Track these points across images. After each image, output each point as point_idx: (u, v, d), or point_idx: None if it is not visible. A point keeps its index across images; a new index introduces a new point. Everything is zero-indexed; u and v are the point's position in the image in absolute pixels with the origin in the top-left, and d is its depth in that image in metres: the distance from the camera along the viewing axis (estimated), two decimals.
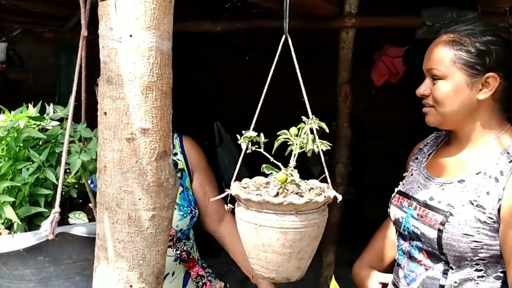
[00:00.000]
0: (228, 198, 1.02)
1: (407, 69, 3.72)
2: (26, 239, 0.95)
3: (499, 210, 1.26)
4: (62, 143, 1.09)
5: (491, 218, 1.27)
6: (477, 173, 1.33)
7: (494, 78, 1.31)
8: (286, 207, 0.93)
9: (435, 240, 1.31)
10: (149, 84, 0.88)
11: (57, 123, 1.16)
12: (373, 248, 1.70)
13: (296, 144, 1.00)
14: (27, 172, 1.01)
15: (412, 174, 1.53)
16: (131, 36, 0.86)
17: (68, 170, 1.05)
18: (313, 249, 0.99)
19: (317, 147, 0.99)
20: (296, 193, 0.98)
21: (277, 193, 0.97)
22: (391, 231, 1.65)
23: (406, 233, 1.44)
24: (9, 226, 1.06)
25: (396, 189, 1.56)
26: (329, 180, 1.00)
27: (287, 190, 0.99)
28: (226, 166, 4.82)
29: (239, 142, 1.01)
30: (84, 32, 1.01)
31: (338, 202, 0.96)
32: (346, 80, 3.24)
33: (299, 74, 1.01)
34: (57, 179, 1.02)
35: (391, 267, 1.61)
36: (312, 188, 1.01)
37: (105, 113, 0.90)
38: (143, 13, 0.86)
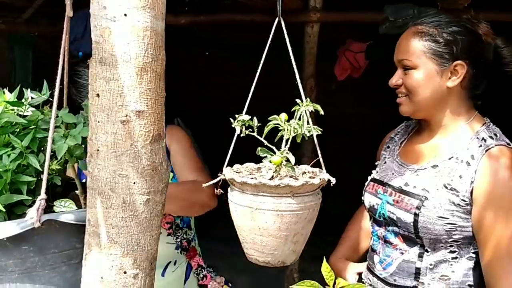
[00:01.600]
0: (219, 184, 1.01)
1: (368, 64, 3.81)
2: (10, 228, 0.90)
3: (471, 192, 1.32)
4: (43, 129, 1.05)
5: (464, 201, 1.32)
6: (449, 158, 1.38)
7: (461, 66, 1.37)
8: (282, 189, 0.93)
9: (411, 224, 1.36)
10: (144, 65, 0.86)
11: (34, 109, 1.11)
12: (348, 239, 1.74)
13: (288, 129, 1.00)
14: (8, 159, 0.96)
15: (385, 162, 1.57)
16: (125, 15, 0.84)
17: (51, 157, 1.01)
18: (308, 232, 0.99)
19: (308, 132, 0.99)
20: (291, 177, 0.98)
21: (272, 176, 0.97)
22: (365, 221, 1.69)
23: (382, 219, 1.48)
24: None
25: (369, 177, 1.60)
26: (323, 164, 1.01)
27: (280, 174, 0.99)
28: None
29: (233, 125, 1.00)
30: (69, 12, 0.97)
31: (331, 185, 0.97)
32: (311, 74, 3.28)
33: (292, 58, 1.01)
34: (41, 166, 0.98)
35: (366, 255, 1.65)
36: (305, 172, 1.02)
37: (98, 95, 0.87)
38: None
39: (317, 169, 1.04)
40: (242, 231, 0.99)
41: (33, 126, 1.04)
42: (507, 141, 1.38)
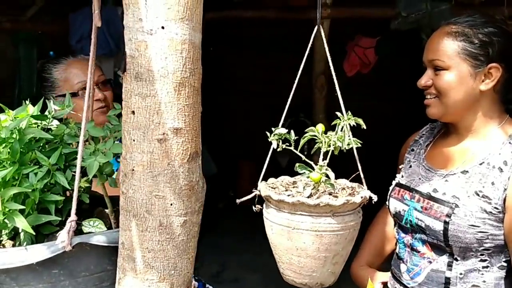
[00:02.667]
0: (256, 199, 0.97)
1: (378, 60, 3.76)
2: (40, 252, 0.86)
3: (504, 200, 1.27)
4: (68, 144, 1.01)
5: (497, 208, 1.28)
6: (480, 164, 1.34)
7: (496, 69, 1.33)
8: (322, 208, 0.88)
9: (441, 232, 1.31)
10: (182, 80, 0.81)
11: (57, 122, 1.06)
12: (370, 245, 1.69)
13: (326, 142, 0.96)
14: (35, 177, 0.92)
15: (410, 166, 1.53)
16: (163, 28, 0.79)
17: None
18: (348, 252, 0.95)
19: (348, 145, 0.95)
20: (330, 194, 0.94)
21: (311, 193, 0.93)
22: (388, 225, 1.64)
23: (409, 226, 1.43)
24: (12, 236, 0.96)
25: (394, 182, 1.55)
26: (363, 180, 0.97)
27: (319, 190, 0.95)
28: None
29: (269, 139, 0.95)
30: (97, 23, 0.91)
31: (373, 202, 0.93)
32: (321, 71, 3.24)
33: (331, 67, 0.97)
34: (69, 184, 0.93)
35: (389, 260, 1.61)
36: (344, 188, 0.98)
37: (133, 112, 0.82)
38: (176, 2, 0.79)
39: (356, 184, 0.99)
40: (278, 251, 0.94)
41: (58, 141, 1.00)
42: None
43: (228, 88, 5.42)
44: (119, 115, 1.08)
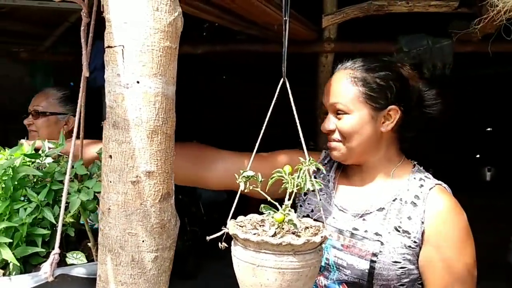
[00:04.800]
0: (223, 237, 1.04)
1: None
2: (24, 282, 0.94)
3: (422, 233, 1.32)
4: (59, 181, 1.10)
5: (415, 242, 1.32)
6: (394, 200, 1.38)
7: (395, 111, 1.38)
8: (284, 247, 0.95)
9: (366, 270, 1.32)
10: (154, 128, 0.90)
11: (51, 159, 1.16)
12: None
13: (291, 182, 1.03)
14: (24, 212, 1.01)
15: (319, 199, 1.48)
16: (138, 82, 0.88)
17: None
18: None
19: (312, 185, 1.02)
20: (293, 233, 1.00)
21: (275, 232, 0.99)
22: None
23: (323, 264, 1.40)
24: (3, 266, 1.04)
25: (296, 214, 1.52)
26: (324, 219, 1.03)
27: (283, 229, 1.01)
28: None
29: (237, 181, 1.03)
30: (85, 73, 1.02)
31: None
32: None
33: (295, 113, 1.05)
34: (55, 219, 1.02)
35: None
36: (308, 227, 1.04)
37: (110, 156, 0.91)
38: (150, 60, 0.88)
39: (320, 224, 1.06)
40: (244, 286, 1.01)
41: (49, 178, 1.09)
42: (438, 181, 1.40)
43: (238, 116, 5.53)
44: None
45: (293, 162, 1.29)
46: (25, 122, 2.27)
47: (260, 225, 1.05)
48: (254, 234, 0.98)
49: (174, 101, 0.94)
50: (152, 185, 0.91)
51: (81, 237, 1.15)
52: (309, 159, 1.00)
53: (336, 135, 1.40)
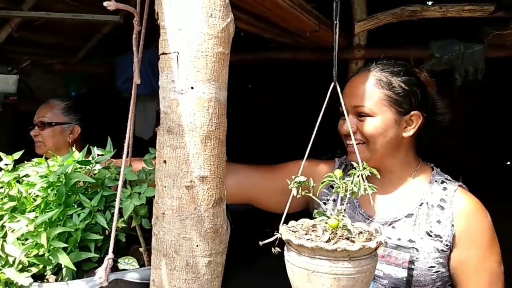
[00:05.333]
0: (276, 242, 1.03)
1: None
2: (79, 287, 0.95)
3: (453, 236, 1.31)
4: (109, 187, 1.11)
5: (447, 245, 1.31)
6: (420, 205, 1.36)
7: (417, 116, 1.37)
8: (339, 253, 0.94)
9: (405, 279, 1.30)
10: (208, 133, 0.90)
11: (100, 166, 1.18)
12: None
13: (343, 187, 1.02)
14: (78, 218, 1.02)
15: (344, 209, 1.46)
16: (192, 88, 0.89)
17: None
18: None
19: (365, 190, 1.01)
20: (347, 238, 0.99)
21: (329, 238, 0.98)
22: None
23: None
24: (56, 271, 1.06)
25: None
26: (379, 227, 1.02)
27: (336, 234, 1.00)
28: None
29: (289, 187, 1.02)
30: (137, 80, 1.03)
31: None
32: None
33: (347, 117, 1.04)
34: (108, 224, 1.03)
35: None
36: (361, 232, 1.03)
37: (165, 162, 0.91)
38: (204, 66, 0.89)
39: (373, 229, 1.04)
40: None
41: (99, 184, 1.11)
42: (458, 182, 1.40)
43: (262, 123, 5.54)
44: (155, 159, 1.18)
45: (305, 172, 1.29)
46: (32, 133, 2.33)
47: (312, 230, 1.04)
48: (308, 239, 0.97)
49: (226, 106, 0.94)
50: (205, 190, 0.91)
51: (130, 242, 1.16)
52: (362, 164, 0.99)
53: (357, 137, 1.37)
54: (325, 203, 1.49)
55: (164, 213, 0.92)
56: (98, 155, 1.18)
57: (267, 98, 5.56)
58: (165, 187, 0.92)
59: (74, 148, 1.18)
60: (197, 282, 0.91)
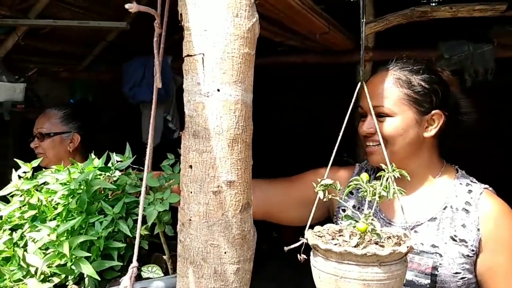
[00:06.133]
0: (302, 247, 1.01)
1: None
2: None
3: (479, 240, 1.26)
4: (130, 194, 1.09)
5: (473, 251, 1.26)
6: (444, 208, 1.32)
7: (439, 115, 1.34)
8: (369, 258, 0.91)
9: (428, 285, 1.26)
10: (235, 136, 0.88)
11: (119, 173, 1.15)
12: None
13: (370, 191, 0.99)
14: (100, 226, 1.00)
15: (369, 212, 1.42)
16: (218, 90, 0.87)
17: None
18: None
19: (394, 194, 0.98)
20: (376, 243, 0.97)
21: (357, 243, 0.96)
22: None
23: None
24: (77, 281, 1.03)
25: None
26: (408, 233, 0.99)
27: (365, 239, 0.98)
28: None
29: (315, 190, 1.00)
30: (158, 84, 1.01)
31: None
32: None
33: (374, 118, 1.01)
34: (130, 231, 1.01)
35: None
36: (390, 237, 1.00)
37: (191, 166, 0.89)
38: (231, 67, 0.87)
39: (402, 233, 1.02)
40: None
41: (121, 191, 1.08)
42: (484, 185, 1.35)
43: (275, 129, 5.52)
44: (173, 165, 1.16)
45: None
46: (32, 145, 2.30)
47: (339, 235, 1.01)
48: (335, 244, 0.95)
49: (252, 109, 0.92)
50: (233, 195, 0.89)
51: (151, 250, 1.13)
52: (392, 166, 0.96)
53: (376, 138, 1.33)
54: (344, 210, 1.46)
55: (190, 219, 0.89)
56: (117, 161, 1.15)
57: (277, 103, 5.55)
58: (191, 192, 0.89)
59: (75, 157, 1.15)
60: None
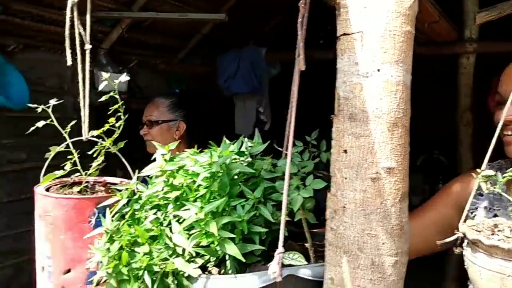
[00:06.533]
0: (458, 242, 0.94)
1: None
2: (252, 281, 0.91)
3: None
4: (266, 179, 1.07)
5: None
6: None
7: None
8: None
9: None
10: (395, 120, 0.83)
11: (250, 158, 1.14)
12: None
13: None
14: (242, 210, 0.98)
15: (495, 215, 1.31)
16: (378, 70, 0.82)
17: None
18: None
19: None
20: None
21: None
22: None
23: None
24: (217, 264, 1.03)
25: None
26: None
27: None
28: None
29: (477, 182, 0.92)
30: (301, 67, 0.97)
31: None
32: (467, 107, 3.09)
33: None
34: (272, 217, 0.99)
35: None
36: None
37: (345, 151, 0.85)
38: (392, 46, 0.82)
39: None
40: None
41: (257, 175, 1.07)
42: None
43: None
44: (302, 152, 1.13)
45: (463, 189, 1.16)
46: (141, 132, 2.41)
47: (498, 230, 0.93)
48: (499, 240, 0.87)
49: (410, 92, 0.86)
50: (392, 183, 0.83)
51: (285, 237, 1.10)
52: None
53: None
54: (472, 212, 1.38)
55: (345, 207, 0.85)
56: (249, 146, 1.14)
57: None
58: (346, 178, 0.85)
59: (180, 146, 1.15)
60: (383, 283, 0.84)
